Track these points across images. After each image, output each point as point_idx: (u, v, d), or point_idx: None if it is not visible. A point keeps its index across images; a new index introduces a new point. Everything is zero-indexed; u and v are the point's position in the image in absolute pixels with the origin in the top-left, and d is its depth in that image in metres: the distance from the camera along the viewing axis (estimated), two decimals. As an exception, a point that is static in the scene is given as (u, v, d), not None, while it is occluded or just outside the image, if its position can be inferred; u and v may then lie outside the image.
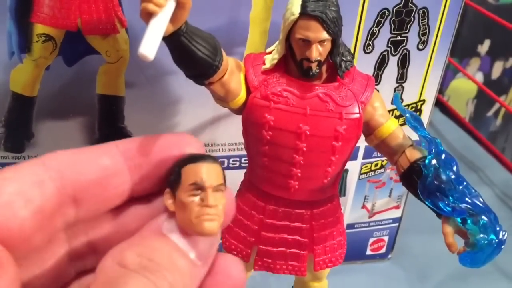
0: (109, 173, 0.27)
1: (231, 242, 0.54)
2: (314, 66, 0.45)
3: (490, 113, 1.28)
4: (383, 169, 0.73)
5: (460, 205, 0.44)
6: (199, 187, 0.27)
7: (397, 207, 0.78)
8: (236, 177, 0.57)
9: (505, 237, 0.44)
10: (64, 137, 0.59)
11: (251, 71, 0.48)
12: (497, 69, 1.26)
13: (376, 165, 0.72)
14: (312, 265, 0.53)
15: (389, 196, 0.77)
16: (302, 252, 0.53)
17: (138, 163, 0.28)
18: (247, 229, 0.53)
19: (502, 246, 0.44)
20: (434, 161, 0.46)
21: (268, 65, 0.47)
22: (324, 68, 0.47)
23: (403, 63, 0.65)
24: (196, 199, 0.27)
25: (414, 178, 0.47)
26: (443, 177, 0.45)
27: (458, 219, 0.45)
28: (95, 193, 0.27)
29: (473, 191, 0.45)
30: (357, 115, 0.47)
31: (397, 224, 0.80)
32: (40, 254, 0.27)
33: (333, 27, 0.44)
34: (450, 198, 0.45)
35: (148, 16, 0.36)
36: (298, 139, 0.47)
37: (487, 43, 1.23)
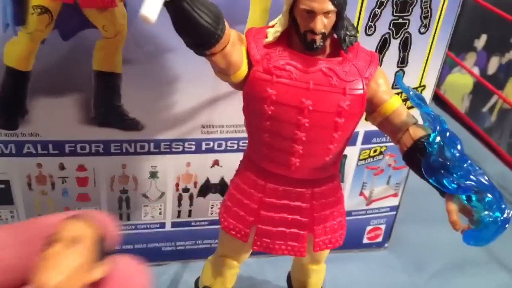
0: None
1: (229, 222, 0.52)
2: (318, 38, 0.44)
3: (485, 109, 1.28)
4: (381, 155, 0.72)
5: (465, 182, 0.43)
6: None
7: (395, 195, 0.77)
8: (234, 160, 0.56)
9: (510, 215, 0.43)
10: (59, 114, 0.58)
11: (253, 45, 0.47)
12: (493, 65, 1.25)
13: (375, 151, 0.72)
14: (312, 246, 0.52)
15: (387, 183, 0.76)
16: (302, 232, 0.52)
17: (25, 239, 0.29)
18: (246, 208, 0.51)
19: (507, 225, 0.43)
20: (438, 139, 0.45)
21: (270, 38, 0.46)
22: (327, 42, 0.46)
23: (405, 46, 0.64)
24: None
25: (418, 156, 0.46)
26: (448, 154, 0.44)
27: (463, 197, 0.44)
28: None
29: (478, 169, 0.44)
30: (361, 91, 0.46)
31: (394, 212, 0.79)
32: None
33: (339, -2, 0.43)
34: (455, 175, 0.44)
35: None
36: (301, 114, 0.46)
37: (483, 38, 1.23)
